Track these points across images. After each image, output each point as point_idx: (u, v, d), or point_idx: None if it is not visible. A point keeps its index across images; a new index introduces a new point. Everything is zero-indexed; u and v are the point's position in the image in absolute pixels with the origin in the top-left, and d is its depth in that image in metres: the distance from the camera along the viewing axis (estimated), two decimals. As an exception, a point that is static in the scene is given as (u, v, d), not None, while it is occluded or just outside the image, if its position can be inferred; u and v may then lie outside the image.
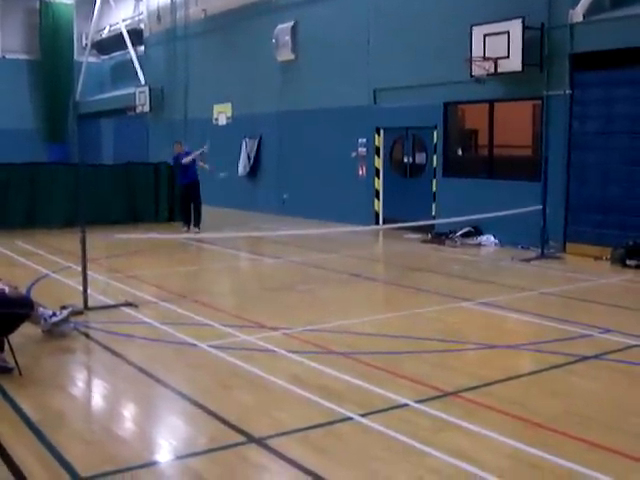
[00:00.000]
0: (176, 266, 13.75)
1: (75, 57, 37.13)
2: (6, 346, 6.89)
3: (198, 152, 18.18)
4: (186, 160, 17.83)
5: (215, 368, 7.15)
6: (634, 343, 8.04)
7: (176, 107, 28.27)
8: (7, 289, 7.24)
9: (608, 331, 8.53)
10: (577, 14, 14.35)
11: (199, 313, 9.34)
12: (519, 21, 14.80)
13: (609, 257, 13.55)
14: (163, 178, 20.68)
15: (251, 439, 5.35)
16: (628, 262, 13.09)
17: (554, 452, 5.09)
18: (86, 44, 37.03)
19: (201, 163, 18.35)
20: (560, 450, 5.15)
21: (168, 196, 20.61)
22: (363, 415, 5.77)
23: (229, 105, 25.24)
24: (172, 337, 8.23)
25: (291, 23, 21.79)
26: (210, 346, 7.76)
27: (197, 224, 17.99)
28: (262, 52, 22.98)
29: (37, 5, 36.37)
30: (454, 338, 8.33)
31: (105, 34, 35.86)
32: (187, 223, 18.12)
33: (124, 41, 32.23)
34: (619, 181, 13.99)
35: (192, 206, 18.08)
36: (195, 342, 7.94)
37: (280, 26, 22.09)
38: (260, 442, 5.30)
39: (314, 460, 5.01)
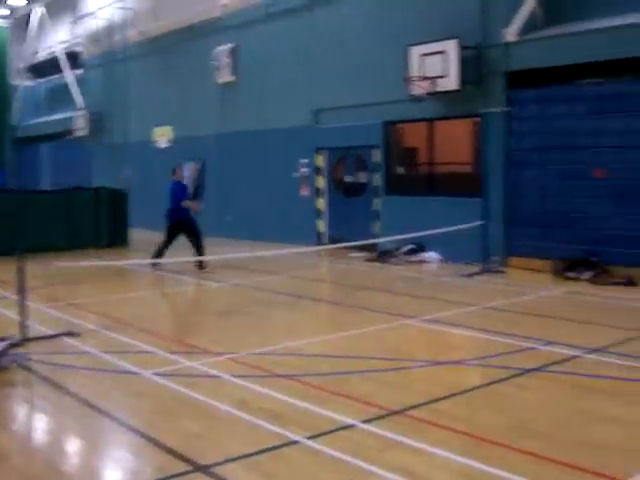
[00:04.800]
0: (118, 293, 13.55)
1: (11, 81, 36.57)
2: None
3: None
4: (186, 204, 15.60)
5: (160, 396, 7.07)
6: (576, 354, 8.17)
7: (116, 131, 28.01)
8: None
9: (550, 343, 8.65)
10: (511, 33, 14.63)
11: (143, 340, 9.22)
12: (455, 41, 15.04)
13: (550, 270, 13.76)
14: (103, 202, 20.49)
15: (197, 467, 5.29)
16: (568, 274, 13.32)
17: (501, 467, 5.13)
18: (22, 67, 36.52)
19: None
20: (507, 464, 5.19)
21: (109, 220, 20.41)
22: (310, 438, 5.75)
23: (170, 128, 25.12)
24: (115, 366, 8.11)
25: (231, 45, 21.82)
26: (154, 374, 7.67)
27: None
28: (202, 74, 22.94)
29: (-30, 29, 35.88)
30: (400, 356, 8.36)
31: (42, 57, 35.40)
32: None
33: (61, 64, 31.86)
34: (557, 195, 14.28)
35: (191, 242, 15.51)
36: (139, 370, 7.83)
37: (220, 48, 22.10)
38: (206, 470, 5.24)
39: (261, 486, 4.98)
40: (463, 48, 15.02)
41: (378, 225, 17.62)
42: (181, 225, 15.35)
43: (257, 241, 18.90)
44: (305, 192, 19.63)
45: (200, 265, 15.13)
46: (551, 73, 14.11)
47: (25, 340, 9.05)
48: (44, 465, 5.57)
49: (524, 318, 10.30)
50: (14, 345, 8.52)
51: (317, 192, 19.32)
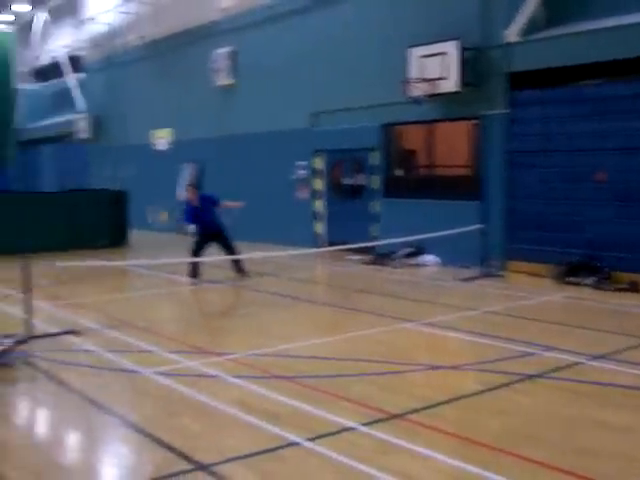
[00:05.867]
0: (118, 292, 13.62)
1: (15, 84, 36.64)
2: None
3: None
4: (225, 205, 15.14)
5: (160, 395, 7.08)
6: (576, 360, 8.13)
7: (116, 133, 28.05)
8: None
9: (550, 349, 8.61)
10: (512, 34, 14.56)
11: (143, 340, 9.25)
12: (455, 42, 15.03)
13: (549, 274, 13.72)
14: (104, 204, 20.53)
15: (198, 466, 5.30)
16: (568, 279, 13.27)
17: (500, 472, 5.12)
18: (26, 71, 36.62)
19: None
20: (506, 470, 5.18)
21: (109, 221, 20.47)
22: (309, 439, 5.74)
23: (169, 130, 25.14)
24: (116, 364, 8.14)
25: (230, 48, 21.82)
26: (155, 373, 7.68)
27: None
28: (201, 77, 22.95)
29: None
30: (398, 359, 8.35)
31: (45, 61, 35.52)
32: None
33: (64, 68, 31.93)
34: (557, 199, 14.18)
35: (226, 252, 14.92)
36: (139, 369, 7.86)
37: (219, 51, 22.11)
38: (207, 469, 5.25)
39: (261, 486, 4.98)
40: (463, 49, 15.00)
41: (376, 228, 17.61)
42: (210, 234, 14.66)
43: (255, 243, 18.85)
44: (303, 194, 19.63)
45: (239, 269, 14.69)
46: (553, 74, 14.02)
47: (30, 338, 9.11)
48: (45, 459, 5.63)
49: (524, 323, 10.26)
50: (19, 342, 8.60)
51: (315, 194, 19.32)
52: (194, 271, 14.45)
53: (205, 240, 14.65)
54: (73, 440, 6.22)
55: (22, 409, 7.06)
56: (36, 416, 6.95)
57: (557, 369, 7.79)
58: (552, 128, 14.24)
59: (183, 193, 23.02)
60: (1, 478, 5.12)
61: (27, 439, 6.17)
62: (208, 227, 14.63)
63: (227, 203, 15.17)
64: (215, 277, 14.58)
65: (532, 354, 8.46)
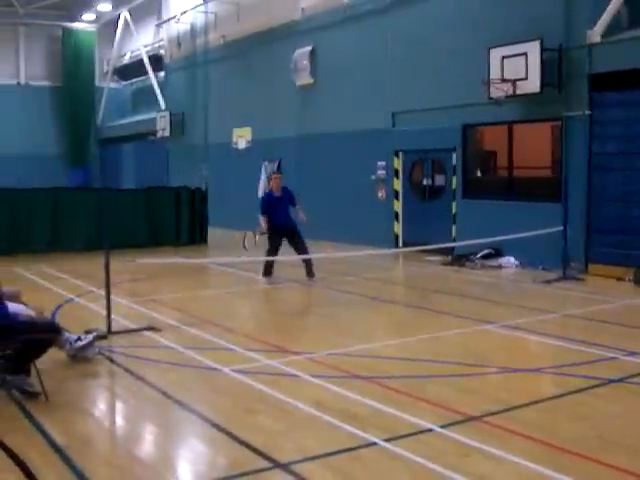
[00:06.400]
0: (197, 290, 13.84)
1: (97, 83, 37.70)
2: (33, 371, 6.93)
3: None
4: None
5: (238, 393, 7.18)
6: (659, 365, 7.98)
7: (196, 132, 28.46)
8: (34, 314, 7.34)
9: (633, 354, 8.44)
10: (595, 34, 14.33)
11: (221, 337, 9.39)
12: (537, 42, 14.84)
13: (632, 278, 13.46)
14: (184, 202, 20.88)
15: (276, 464, 5.36)
16: (651, 283, 13.01)
17: (579, 477, 5.06)
18: (107, 70, 37.51)
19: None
20: (585, 475, 5.13)
21: (189, 219, 20.80)
22: (387, 440, 5.75)
23: (249, 129, 25.41)
24: (195, 361, 8.28)
25: (309, 47, 21.96)
26: (233, 370, 7.79)
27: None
28: (281, 76, 23.15)
29: (59, 32, 36.93)
30: (477, 361, 8.31)
31: (126, 60, 36.32)
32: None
33: (145, 67, 32.58)
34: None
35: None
36: (218, 366, 7.97)
37: (299, 51, 22.27)
38: (285, 467, 5.30)
39: (339, 485, 5.01)
40: (545, 50, 14.80)
41: (455, 229, 17.51)
42: (284, 229, 14.41)
43: (333, 242, 18.97)
44: (382, 194, 19.63)
45: (310, 271, 14.29)
46: (636, 76, 13.74)
47: (110, 333, 9.35)
48: (124, 451, 5.79)
49: (605, 327, 10.09)
50: (100, 338, 8.79)
51: (394, 194, 19.30)
52: (267, 269, 14.54)
53: (279, 236, 14.42)
54: (152, 435, 6.36)
55: (102, 404, 7.22)
56: (116, 411, 7.11)
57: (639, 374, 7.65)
58: (635, 130, 13.95)
59: (263, 188, 23.32)
60: (83, 472, 5.24)
61: (107, 433, 6.34)
62: (284, 221, 14.42)
63: (300, 208, 14.72)
64: (291, 276, 14.68)
65: (613, 358, 8.33)
